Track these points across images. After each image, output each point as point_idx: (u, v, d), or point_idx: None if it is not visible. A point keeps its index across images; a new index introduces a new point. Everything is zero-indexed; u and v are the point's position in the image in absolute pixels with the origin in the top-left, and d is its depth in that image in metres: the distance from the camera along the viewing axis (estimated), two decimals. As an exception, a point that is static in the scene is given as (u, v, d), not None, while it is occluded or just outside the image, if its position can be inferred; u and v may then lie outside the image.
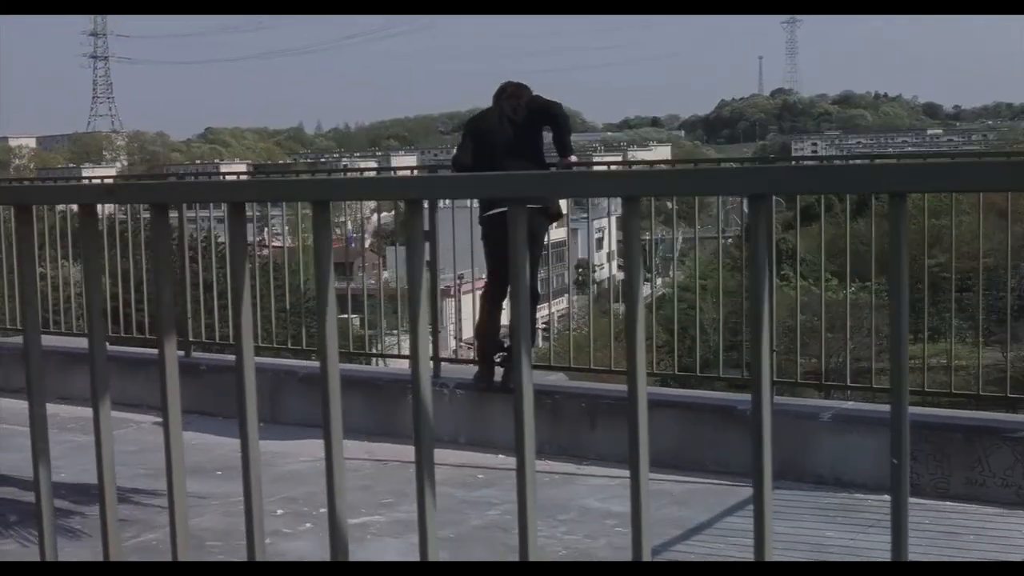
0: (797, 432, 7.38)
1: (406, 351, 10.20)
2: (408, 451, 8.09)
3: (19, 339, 10.60)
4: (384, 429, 8.57)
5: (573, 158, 8.49)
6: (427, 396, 1.74)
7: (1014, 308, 8.07)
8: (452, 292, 13.24)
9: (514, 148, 8.21)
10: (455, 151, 8.98)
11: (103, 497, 2.09)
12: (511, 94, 8.54)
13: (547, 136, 8.48)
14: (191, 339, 10.01)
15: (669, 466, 7.53)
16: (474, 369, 8.62)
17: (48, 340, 10.54)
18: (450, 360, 9.11)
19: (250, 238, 12.68)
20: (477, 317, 8.59)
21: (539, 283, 8.71)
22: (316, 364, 10.18)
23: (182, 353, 10.03)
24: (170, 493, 2.04)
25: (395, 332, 12.26)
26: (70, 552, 4.95)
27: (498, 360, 8.42)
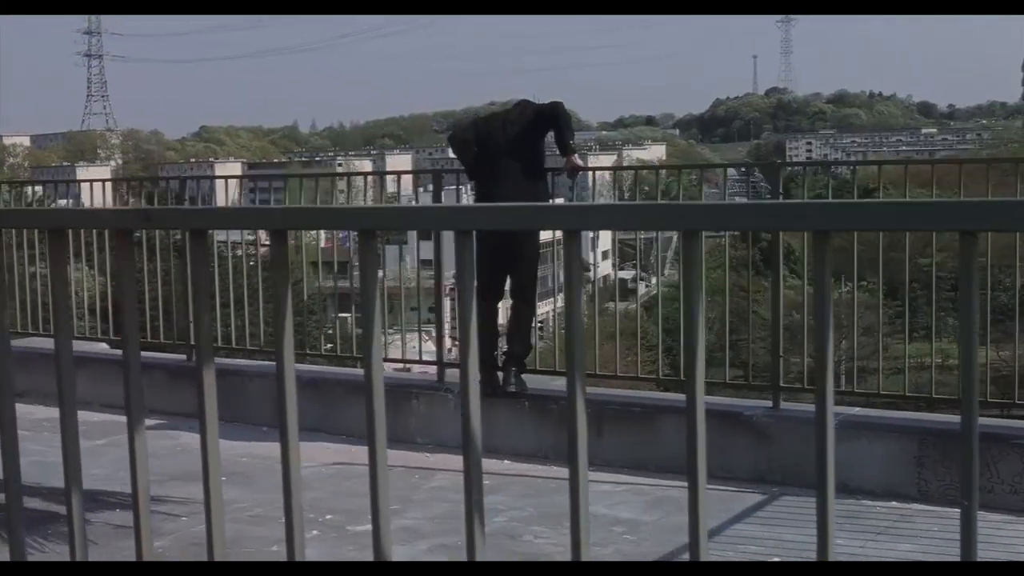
0: (803, 438, 7.35)
1: (397, 351, 10.21)
2: (412, 456, 8.06)
3: (22, 343, 10.57)
4: (388, 435, 8.53)
5: (576, 159, 8.48)
6: (476, 418, 1.72)
7: (1010, 308, 8.07)
8: (446, 292, 13.24)
9: (515, 152, 8.24)
10: (455, 129, 9.00)
11: (136, 499, 2.08)
12: (519, 104, 8.64)
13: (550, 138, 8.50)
14: (191, 343, 9.96)
15: (675, 472, 7.50)
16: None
17: (38, 342, 10.51)
18: (454, 365, 9.06)
19: (250, 236, 12.65)
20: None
21: (537, 282, 8.66)
22: (319, 368, 10.12)
23: (183, 357, 10.01)
24: (207, 499, 2.02)
25: (391, 330, 12.23)
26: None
27: (499, 362, 8.42)
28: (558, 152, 8.44)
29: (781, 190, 7.98)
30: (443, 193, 9.19)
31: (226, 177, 10.75)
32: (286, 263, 1.65)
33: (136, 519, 2.02)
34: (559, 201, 9.54)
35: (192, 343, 9.95)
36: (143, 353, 9.92)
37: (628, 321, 18.18)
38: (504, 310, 8.72)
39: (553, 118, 8.33)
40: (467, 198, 9.77)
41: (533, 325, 8.60)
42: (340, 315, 11.89)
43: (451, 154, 9.14)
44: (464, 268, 1.65)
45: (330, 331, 11.29)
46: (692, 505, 1.62)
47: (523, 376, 8.42)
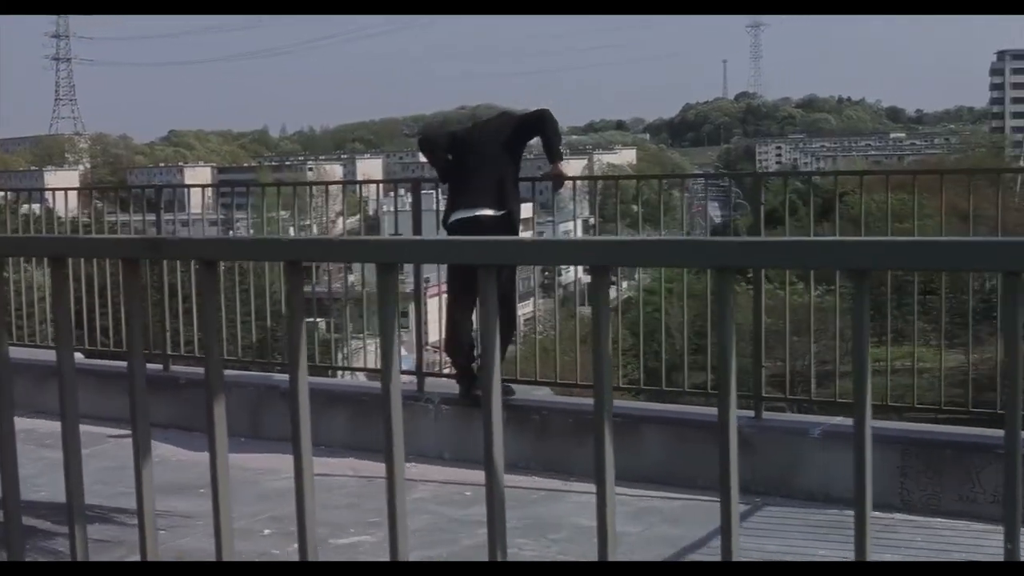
0: (787, 448, 7.36)
1: (372, 358, 10.14)
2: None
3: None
4: (369, 445, 8.48)
5: (561, 167, 8.45)
6: (499, 450, 1.68)
7: (975, 311, 8.08)
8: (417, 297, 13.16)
9: (490, 158, 8.18)
10: (427, 130, 8.96)
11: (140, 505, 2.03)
12: (501, 115, 8.58)
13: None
14: (169, 352, 9.88)
15: (659, 483, 7.49)
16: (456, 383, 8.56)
17: (16, 352, 10.40)
18: (434, 375, 9.02)
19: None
20: (444, 334, 8.48)
21: (516, 287, 8.60)
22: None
23: (160, 367, 9.92)
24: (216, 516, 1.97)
25: (360, 336, 12.16)
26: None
27: (476, 368, 8.37)
28: (545, 157, 8.40)
29: (763, 201, 7.94)
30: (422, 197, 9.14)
31: (203, 186, 10.65)
32: (302, 293, 1.61)
33: (141, 521, 1.97)
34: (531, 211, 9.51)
35: (168, 352, 9.88)
36: (113, 362, 9.84)
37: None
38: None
39: (540, 125, 8.28)
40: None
41: (514, 332, 8.53)
42: (309, 320, 11.81)
43: (422, 158, 9.09)
44: (490, 304, 1.61)
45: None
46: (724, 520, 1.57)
47: (506, 384, 8.38)
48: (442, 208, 8.57)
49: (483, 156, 8.21)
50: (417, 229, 8.81)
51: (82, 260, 10.50)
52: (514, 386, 8.43)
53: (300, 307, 1.65)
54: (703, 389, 8.44)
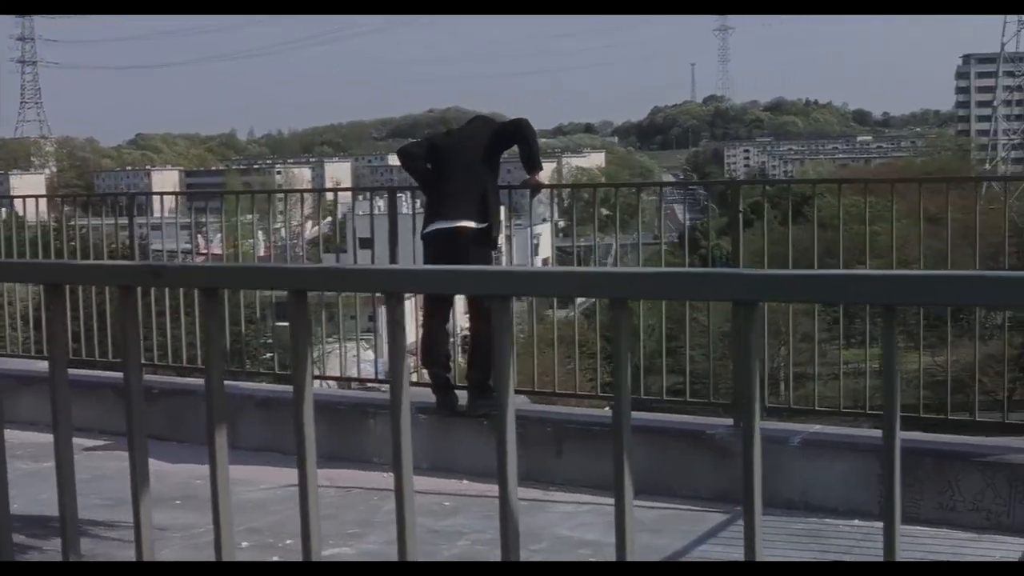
0: (766, 456, 7.30)
1: (340, 361, 10.09)
2: (371, 477, 7.93)
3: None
4: (345, 454, 8.42)
5: (541, 175, 8.41)
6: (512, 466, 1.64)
7: (945, 316, 8.12)
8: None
9: (469, 168, 8.12)
10: (408, 144, 8.89)
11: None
12: (474, 120, 8.53)
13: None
14: (142, 361, 9.77)
15: (638, 492, 7.41)
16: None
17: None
18: (412, 384, 8.95)
19: (185, 245, 12.42)
20: (420, 345, 8.43)
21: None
22: (273, 387, 9.99)
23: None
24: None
25: (331, 339, 12.11)
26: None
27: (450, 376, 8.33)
28: (523, 167, 8.36)
29: (742, 208, 7.92)
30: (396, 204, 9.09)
31: (176, 193, 10.56)
32: (308, 324, 1.56)
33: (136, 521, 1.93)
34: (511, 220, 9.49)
35: (141, 361, 9.77)
36: (87, 372, 9.70)
37: (568, 329, 18.10)
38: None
39: (519, 135, 8.23)
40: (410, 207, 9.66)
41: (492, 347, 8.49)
42: (279, 324, 11.75)
43: (392, 160, 9.05)
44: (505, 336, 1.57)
45: (269, 340, 11.12)
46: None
47: (496, 395, 8.33)
48: (419, 212, 8.53)
49: (461, 165, 8.15)
50: (393, 238, 8.75)
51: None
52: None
53: (306, 338, 1.61)
54: (681, 397, 8.41)
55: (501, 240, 8.49)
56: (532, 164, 8.25)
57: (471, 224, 8.01)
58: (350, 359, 11.05)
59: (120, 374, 8.76)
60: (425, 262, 8.23)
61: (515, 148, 8.30)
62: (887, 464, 1.55)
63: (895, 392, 1.48)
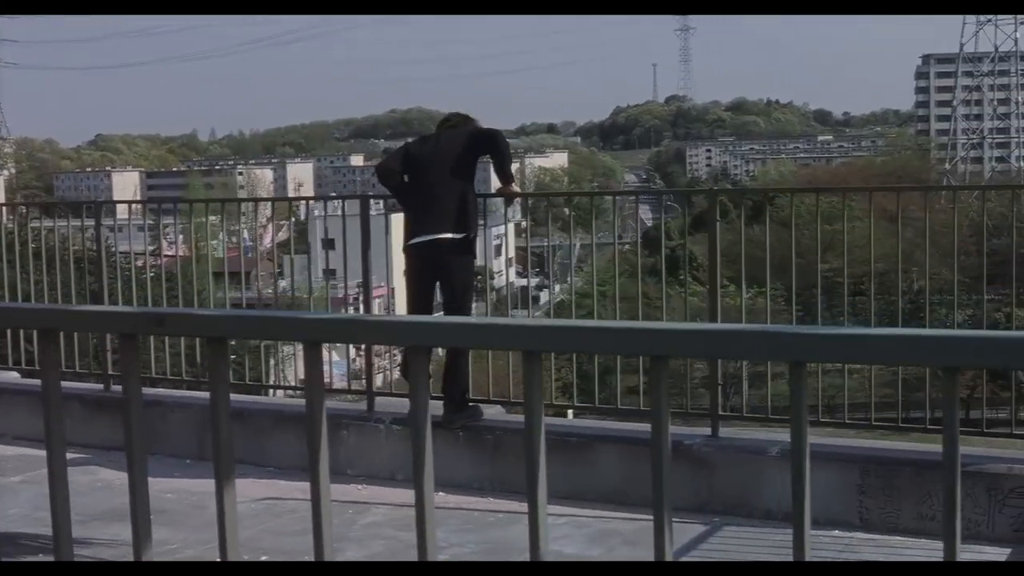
0: (745, 467, 7.30)
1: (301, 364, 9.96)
2: (344, 490, 7.81)
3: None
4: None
5: (514, 186, 8.36)
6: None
7: (904, 312, 8.11)
8: (351, 301, 13.00)
9: (446, 179, 8.06)
10: (384, 160, 8.80)
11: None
12: (453, 124, 8.42)
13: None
14: (110, 372, 9.61)
15: (616, 503, 7.40)
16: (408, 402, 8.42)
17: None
18: (385, 394, 8.87)
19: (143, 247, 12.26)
20: (401, 357, 8.40)
21: (471, 309, 8.50)
22: (244, 398, 9.86)
23: (101, 387, 9.67)
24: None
25: (293, 344, 12.00)
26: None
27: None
28: (497, 178, 8.32)
29: (718, 216, 7.88)
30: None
31: (144, 202, 10.43)
32: (321, 377, 1.49)
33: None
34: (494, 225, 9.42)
35: (110, 372, 9.61)
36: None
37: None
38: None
39: (492, 146, 8.18)
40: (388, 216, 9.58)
41: (468, 358, 8.38)
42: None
43: (354, 161, 8.97)
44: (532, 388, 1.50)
45: (232, 343, 10.97)
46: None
47: (475, 406, 8.25)
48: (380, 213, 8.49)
49: (438, 175, 8.08)
50: (366, 247, 8.67)
51: (16, 266, 10.23)
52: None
53: (320, 387, 1.53)
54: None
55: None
56: (505, 176, 8.23)
57: (451, 235, 7.98)
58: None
59: (88, 385, 8.57)
60: (408, 274, 8.21)
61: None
62: (947, 481, 1.48)
63: (955, 449, 1.42)
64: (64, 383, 8.90)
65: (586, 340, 1.42)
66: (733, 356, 1.38)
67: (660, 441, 1.48)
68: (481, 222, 10.74)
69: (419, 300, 8.21)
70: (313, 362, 1.52)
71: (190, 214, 11.62)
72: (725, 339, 1.33)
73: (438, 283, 8.18)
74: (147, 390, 9.59)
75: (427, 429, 1.59)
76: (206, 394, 9.70)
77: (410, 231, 8.14)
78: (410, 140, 8.96)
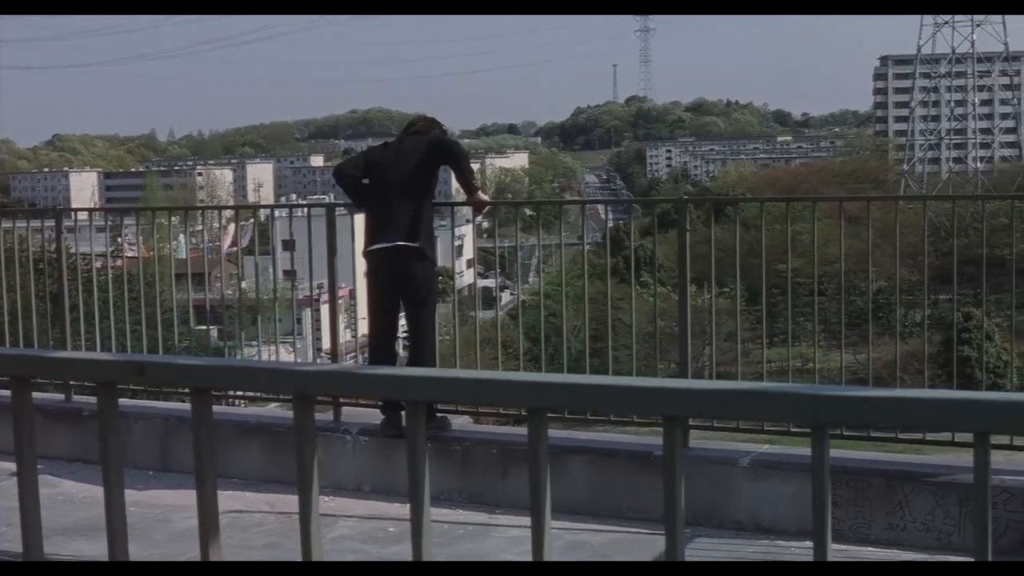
0: (715, 478, 7.26)
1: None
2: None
3: None
4: (285, 478, 8.20)
5: (482, 195, 8.31)
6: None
7: (863, 312, 8.15)
8: (311, 303, 12.87)
9: (406, 186, 8.02)
10: (343, 162, 8.73)
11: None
12: (417, 130, 8.36)
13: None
14: (71, 382, 9.45)
15: (585, 514, 7.34)
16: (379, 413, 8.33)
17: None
18: (352, 404, 8.76)
19: (103, 248, 12.08)
20: (368, 363, 8.33)
21: (433, 320, 8.40)
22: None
23: (61, 397, 9.53)
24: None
25: (254, 344, 11.87)
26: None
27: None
28: (462, 191, 8.28)
29: (687, 227, 7.82)
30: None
31: (105, 209, 10.28)
32: (312, 432, 1.42)
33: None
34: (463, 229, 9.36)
35: (71, 382, 9.45)
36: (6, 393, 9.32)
37: (492, 330, 18.05)
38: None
39: (452, 159, 8.15)
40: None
41: (433, 365, 8.29)
42: (201, 328, 11.49)
43: (314, 161, 8.90)
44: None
45: (186, 344, 10.80)
46: None
47: (443, 417, 8.16)
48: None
49: (398, 183, 8.05)
50: (332, 256, 8.59)
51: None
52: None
53: (311, 441, 1.46)
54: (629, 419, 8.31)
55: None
56: (468, 188, 8.19)
57: (410, 244, 7.95)
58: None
59: (49, 395, 8.35)
60: (369, 279, 8.17)
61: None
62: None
63: (985, 514, 1.37)
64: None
65: (596, 398, 1.35)
66: (754, 417, 1.32)
67: (673, 506, 1.41)
68: (444, 223, 10.71)
69: (380, 308, 8.21)
70: (304, 415, 1.44)
71: (152, 218, 11.50)
72: (745, 400, 1.27)
73: (401, 292, 8.14)
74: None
75: (423, 474, 1.51)
76: (167, 404, 9.60)
77: (369, 237, 8.14)
78: (373, 145, 8.92)
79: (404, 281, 8.09)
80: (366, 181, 8.25)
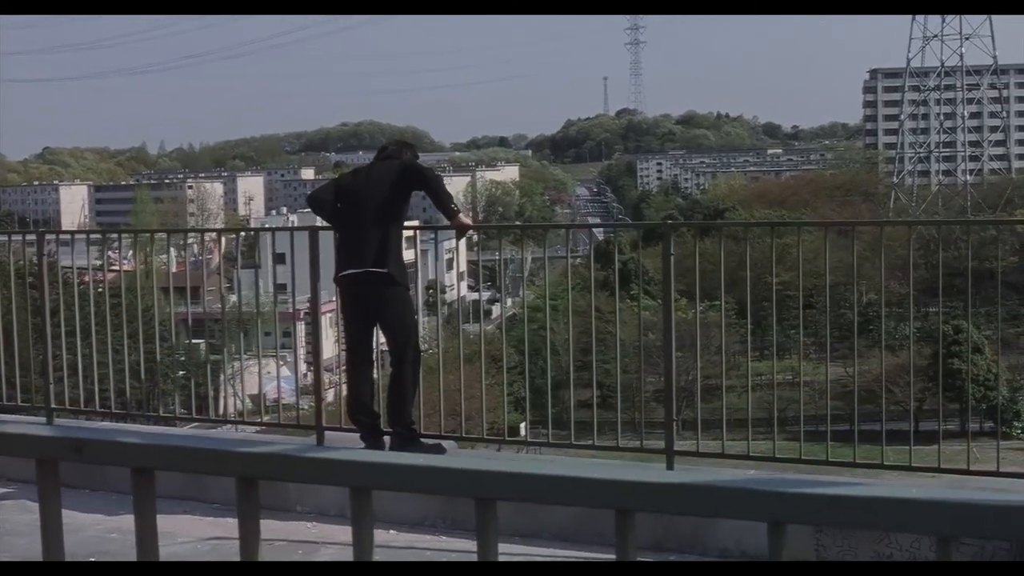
0: (700, 504, 7.20)
1: (252, 379, 9.79)
2: (296, 528, 7.66)
3: None
4: (265, 502, 8.09)
5: (463, 218, 8.26)
6: None
7: (853, 325, 8.14)
8: (302, 316, 12.83)
9: (376, 212, 7.99)
10: (315, 189, 8.69)
11: None
12: (389, 155, 8.33)
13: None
14: (52, 406, 9.39)
15: (570, 540, 7.28)
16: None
17: None
18: (335, 428, 8.70)
19: (96, 261, 12.00)
20: (347, 394, 8.30)
21: (413, 342, 8.32)
22: (192, 433, 9.66)
23: (43, 420, 9.45)
24: None
25: (243, 356, 11.83)
26: None
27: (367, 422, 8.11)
28: (444, 217, 8.24)
29: (671, 251, 7.77)
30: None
31: (88, 232, 10.23)
32: (256, 515, 1.37)
33: None
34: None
35: (53, 406, 9.40)
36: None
37: (486, 344, 17.96)
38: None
39: (423, 183, 8.10)
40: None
41: (414, 394, 8.20)
42: (197, 340, 11.45)
43: (305, 174, 8.85)
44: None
45: (183, 358, 10.78)
46: None
47: (437, 444, 8.10)
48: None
49: (368, 209, 8.02)
50: (315, 278, 8.55)
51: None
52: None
53: (255, 528, 1.41)
54: (613, 440, 8.26)
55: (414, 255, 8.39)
56: (447, 212, 8.12)
57: (378, 270, 7.93)
58: (265, 378, 10.72)
59: (32, 419, 8.25)
60: (341, 305, 8.15)
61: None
62: None
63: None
64: (5, 416, 8.63)
65: (544, 488, 1.31)
66: (705, 514, 1.28)
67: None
68: (432, 236, 10.68)
69: (353, 333, 8.21)
70: (247, 500, 1.39)
71: (135, 240, 11.43)
72: (699, 495, 1.23)
73: (373, 317, 8.11)
74: (89, 425, 9.38)
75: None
76: (150, 428, 9.53)
77: (340, 263, 8.13)
78: (344, 171, 8.90)
79: (375, 306, 8.07)
80: (339, 205, 8.23)
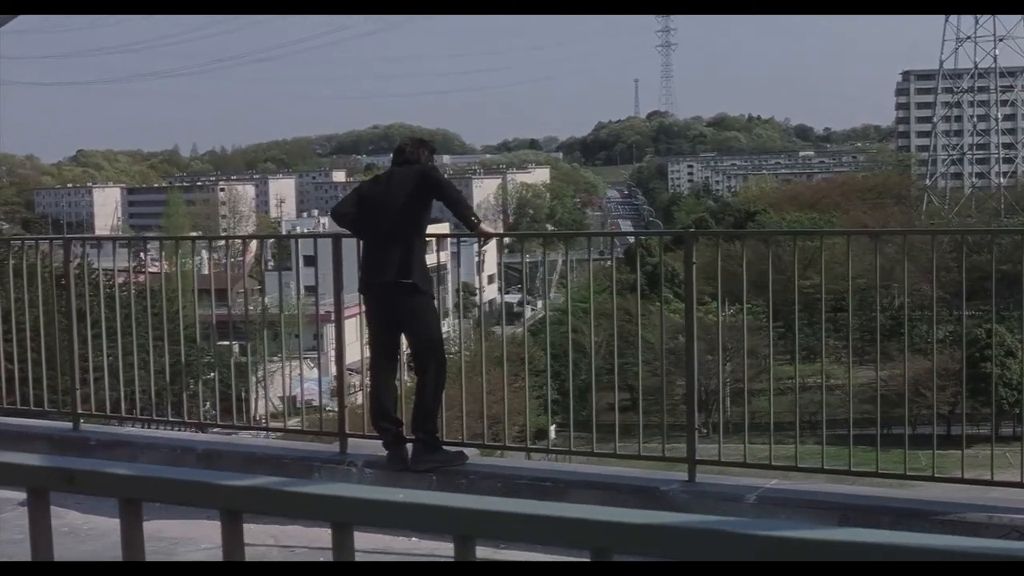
0: (721, 514, 7.16)
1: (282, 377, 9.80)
2: (318, 535, 7.68)
3: None
4: (286, 510, 8.15)
5: (484, 227, 8.25)
6: None
7: (884, 328, 8.06)
8: (332, 318, 12.87)
9: (398, 222, 8.00)
10: (338, 203, 8.69)
11: None
12: (406, 158, 8.30)
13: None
14: (79, 411, 9.44)
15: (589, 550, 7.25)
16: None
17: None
18: (358, 435, 8.72)
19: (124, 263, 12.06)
20: (369, 402, 8.33)
21: (436, 347, 8.31)
22: (214, 438, 9.70)
23: (69, 425, 9.51)
24: None
25: (276, 359, 11.88)
26: None
27: (393, 433, 8.12)
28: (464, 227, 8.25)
29: (692, 260, 7.74)
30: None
31: (115, 239, 10.29)
32: (242, 552, 1.37)
33: None
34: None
35: (79, 411, 9.44)
36: (22, 420, 9.30)
37: (514, 346, 17.96)
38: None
39: (439, 194, 8.11)
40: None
41: (438, 399, 8.19)
42: (224, 343, 11.46)
43: (337, 176, 8.86)
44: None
45: (211, 359, 10.83)
46: None
47: (459, 451, 8.10)
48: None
49: (389, 218, 8.03)
50: (338, 287, 8.57)
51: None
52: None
53: (240, 557, 1.41)
54: (634, 448, 8.24)
55: (446, 257, 8.36)
56: (468, 223, 8.09)
57: (403, 280, 7.94)
58: (293, 380, 10.74)
59: (56, 424, 8.30)
60: (367, 316, 8.21)
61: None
62: None
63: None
64: (32, 421, 8.68)
65: (520, 527, 1.31)
66: (695, 558, 1.26)
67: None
68: (466, 239, 10.66)
69: (377, 342, 8.24)
70: (233, 535, 1.39)
71: (160, 246, 11.47)
72: (677, 536, 1.21)
73: (398, 327, 8.13)
74: (116, 430, 9.44)
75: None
76: (175, 434, 9.57)
77: (364, 273, 8.15)
78: (364, 180, 8.90)
79: (400, 317, 8.08)
80: (362, 215, 8.26)
